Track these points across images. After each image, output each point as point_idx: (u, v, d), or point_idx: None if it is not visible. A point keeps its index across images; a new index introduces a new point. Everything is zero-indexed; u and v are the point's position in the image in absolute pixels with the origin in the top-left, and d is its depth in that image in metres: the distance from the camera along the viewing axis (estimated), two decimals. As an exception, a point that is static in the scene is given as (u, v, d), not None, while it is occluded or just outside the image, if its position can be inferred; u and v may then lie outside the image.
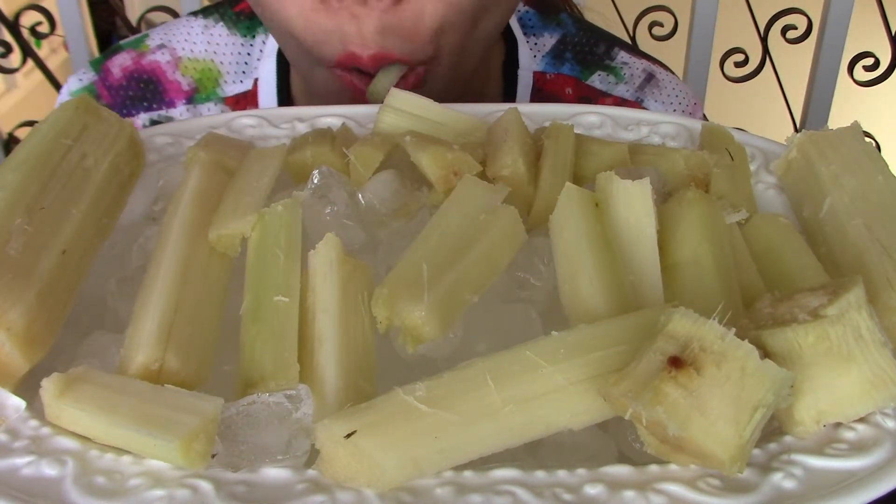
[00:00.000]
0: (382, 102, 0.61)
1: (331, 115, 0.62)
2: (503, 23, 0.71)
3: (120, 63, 0.85)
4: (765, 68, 1.45)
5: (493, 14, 0.66)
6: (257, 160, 0.54)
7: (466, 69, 0.70)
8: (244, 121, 0.62)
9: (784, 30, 1.40)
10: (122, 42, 0.87)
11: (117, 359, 0.43)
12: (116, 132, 0.53)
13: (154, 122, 0.84)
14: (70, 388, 0.39)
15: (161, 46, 0.85)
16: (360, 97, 0.65)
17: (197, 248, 0.47)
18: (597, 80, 0.86)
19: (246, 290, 0.45)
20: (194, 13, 0.88)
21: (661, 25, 1.42)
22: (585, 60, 0.86)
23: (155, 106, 0.84)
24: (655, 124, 0.62)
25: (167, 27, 0.88)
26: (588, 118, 0.62)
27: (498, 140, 0.54)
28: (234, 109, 0.84)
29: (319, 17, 0.62)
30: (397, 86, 0.63)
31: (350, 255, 0.44)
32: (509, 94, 0.85)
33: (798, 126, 1.49)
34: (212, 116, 0.64)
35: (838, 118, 1.37)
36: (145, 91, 0.84)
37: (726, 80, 1.45)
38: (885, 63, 1.41)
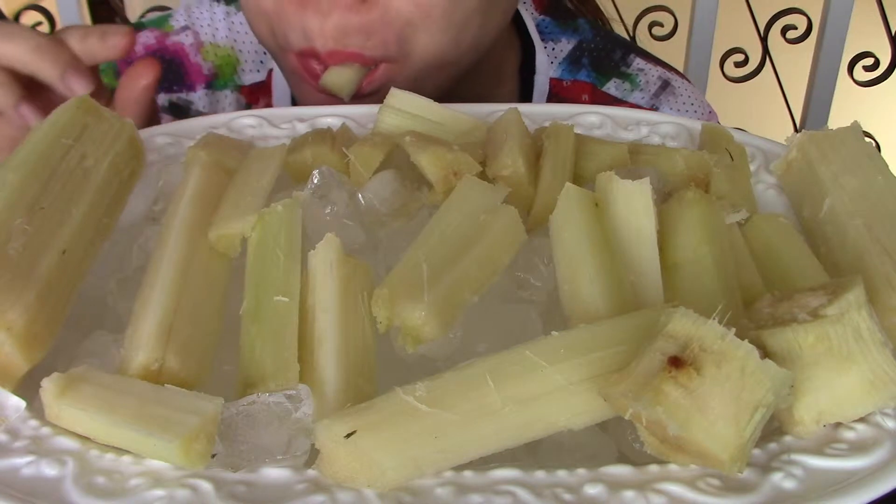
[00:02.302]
0: (333, 93, 0.64)
1: (331, 115, 0.62)
2: (495, 32, 0.71)
3: (143, 41, 0.84)
4: (765, 68, 1.45)
5: (475, 24, 0.67)
6: (257, 160, 0.54)
7: (452, 74, 0.70)
8: (244, 121, 0.62)
9: (784, 30, 1.40)
10: (143, 20, 0.87)
11: (117, 359, 0.43)
12: (116, 132, 0.53)
13: (172, 104, 0.84)
14: (70, 388, 0.39)
15: (185, 28, 0.85)
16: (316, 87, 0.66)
17: (197, 248, 0.47)
18: (612, 88, 0.86)
19: (246, 290, 0.45)
20: None
21: (661, 25, 1.42)
22: (601, 67, 0.87)
23: (176, 88, 0.84)
24: (655, 124, 0.62)
25: (190, 9, 0.88)
26: (588, 118, 0.62)
27: (498, 140, 0.54)
28: (248, 99, 0.85)
29: (289, 7, 0.64)
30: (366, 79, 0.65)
31: (350, 255, 0.44)
32: (525, 100, 0.85)
33: (798, 126, 1.49)
34: (212, 116, 0.64)
35: (838, 118, 1.38)
36: (167, 72, 0.83)
37: (726, 80, 1.45)
38: (885, 63, 1.41)
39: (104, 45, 0.62)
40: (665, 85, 0.87)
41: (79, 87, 0.62)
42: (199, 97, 0.85)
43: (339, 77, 0.65)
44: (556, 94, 0.85)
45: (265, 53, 0.85)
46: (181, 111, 0.84)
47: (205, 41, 0.85)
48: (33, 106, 0.62)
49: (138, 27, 0.86)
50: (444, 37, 0.65)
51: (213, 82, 0.84)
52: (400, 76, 0.66)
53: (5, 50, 0.60)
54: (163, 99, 0.83)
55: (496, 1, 0.68)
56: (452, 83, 0.71)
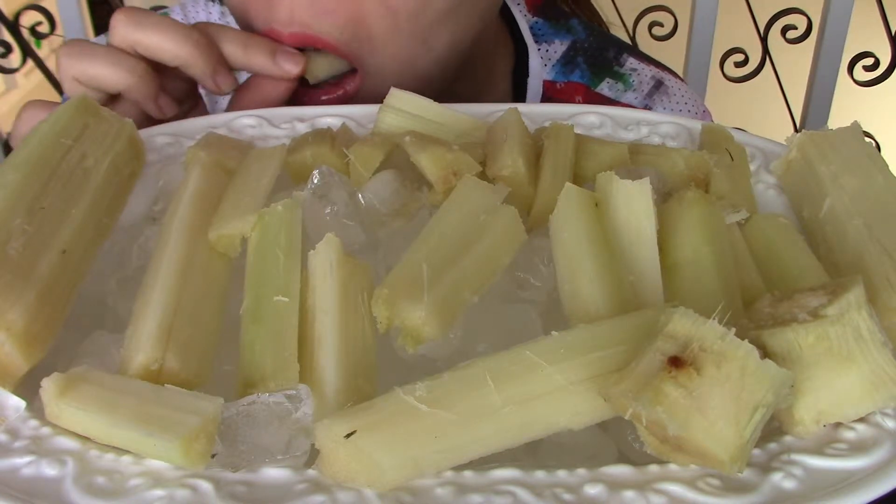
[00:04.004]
0: (315, 81, 0.65)
1: (331, 115, 0.62)
2: (472, 36, 0.70)
3: None
4: (765, 68, 1.45)
5: (447, 29, 0.66)
6: (257, 160, 0.54)
7: (430, 85, 0.69)
8: (244, 121, 0.62)
9: (784, 30, 1.40)
10: None
11: (117, 359, 0.43)
12: (116, 132, 0.53)
13: None
14: (70, 388, 0.39)
15: None
16: None
17: (197, 248, 0.47)
18: (605, 88, 0.86)
19: (246, 290, 0.45)
20: None
21: (661, 25, 1.42)
22: (595, 66, 0.86)
23: None
24: (655, 124, 0.62)
25: (186, 7, 0.88)
26: (588, 118, 0.62)
27: (498, 140, 0.54)
28: None
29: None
30: (333, 89, 0.66)
31: (350, 255, 0.44)
32: (518, 102, 0.84)
33: (798, 126, 1.50)
34: (212, 116, 0.64)
35: (838, 118, 1.38)
36: None
37: (726, 80, 1.45)
38: (885, 63, 1.41)
39: (274, 64, 0.63)
40: (658, 84, 0.86)
41: (226, 86, 0.63)
42: None
43: (315, 63, 0.65)
44: (550, 96, 0.85)
45: None
46: None
47: None
48: (170, 98, 0.62)
49: None
50: (413, 41, 0.65)
51: None
52: (375, 85, 0.66)
53: (159, 41, 0.59)
54: None
55: (468, 3, 0.68)
56: (435, 93, 0.71)
